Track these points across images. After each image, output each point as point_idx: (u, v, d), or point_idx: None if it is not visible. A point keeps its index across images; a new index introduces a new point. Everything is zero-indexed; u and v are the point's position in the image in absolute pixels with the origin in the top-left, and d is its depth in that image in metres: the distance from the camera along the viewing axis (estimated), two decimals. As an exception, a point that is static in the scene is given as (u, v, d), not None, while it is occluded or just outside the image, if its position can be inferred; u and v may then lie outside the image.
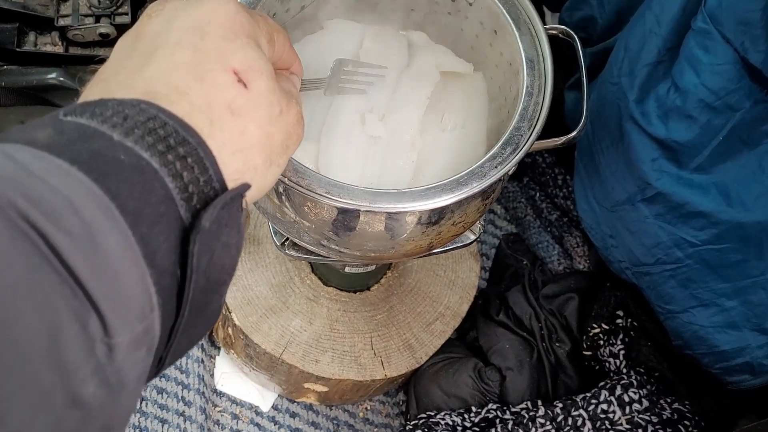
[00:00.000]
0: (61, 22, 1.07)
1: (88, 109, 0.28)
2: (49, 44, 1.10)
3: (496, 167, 0.51)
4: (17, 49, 1.07)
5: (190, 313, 0.28)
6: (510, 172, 0.52)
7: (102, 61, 1.11)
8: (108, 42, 1.10)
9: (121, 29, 1.08)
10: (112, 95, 0.30)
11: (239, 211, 0.31)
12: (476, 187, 0.50)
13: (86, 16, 1.08)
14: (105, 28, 1.07)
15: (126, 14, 1.08)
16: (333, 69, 0.57)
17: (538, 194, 1.13)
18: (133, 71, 0.32)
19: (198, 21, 0.33)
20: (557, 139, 0.56)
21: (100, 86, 0.32)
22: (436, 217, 0.53)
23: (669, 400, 0.81)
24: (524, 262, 1.09)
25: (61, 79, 1.10)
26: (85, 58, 1.11)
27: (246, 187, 0.31)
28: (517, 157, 0.51)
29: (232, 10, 0.34)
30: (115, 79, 0.32)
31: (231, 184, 0.31)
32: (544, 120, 0.53)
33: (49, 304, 0.22)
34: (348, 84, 0.58)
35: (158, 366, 0.29)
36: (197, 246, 0.27)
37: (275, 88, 0.35)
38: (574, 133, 0.56)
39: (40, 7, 1.09)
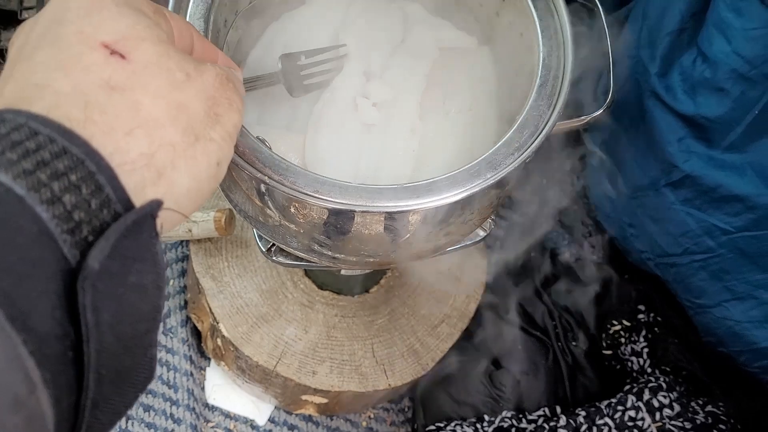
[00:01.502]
0: (26, 15, 1.01)
1: None
2: (13, 39, 1.03)
3: (512, 154, 0.43)
4: (-24, 45, 1.00)
5: (100, 382, 0.22)
6: (528, 160, 0.45)
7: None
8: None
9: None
10: None
11: (152, 236, 0.24)
12: (491, 178, 0.42)
13: (51, 6, 1.00)
14: (71, 18, 1.00)
15: (94, 3, 1.01)
16: (283, 68, 0.50)
17: (545, 180, 1.07)
18: (2, 80, 0.28)
19: (55, 13, 0.29)
20: (581, 118, 0.49)
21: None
22: (444, 215, 0.46)
23: (701, 403, 0.74)
24: (533, 254, 1.03)
25: (28, 76, 1.04)
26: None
27: (157, 203, 0.25)
28: (537, 141, 0.44)
29: (124, 12, 0.30)
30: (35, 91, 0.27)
31: (139, 195, 0.25)
32: (565, 96, 0.46)
33: None
34: (312, 79, 0.51)
35: None
36: (89, 295, 0.21)
37: (169, 52, 0.30)
38: (600, 111, 0.49)
39: (2, 1, 1.02)
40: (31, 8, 1.01)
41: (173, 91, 0.28)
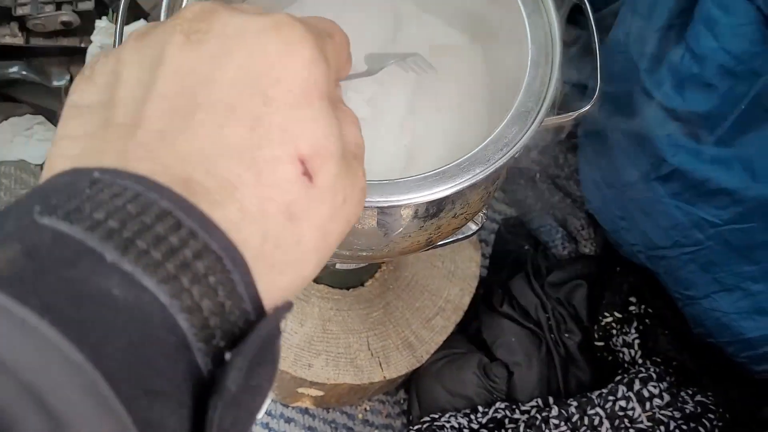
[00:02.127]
0: (20, 11, 1.00)
1: (73, 204, 0.19)
2: (9, 36, 1.03)
3: (501, 149, 0.44)
4: (-29, 42, 1.00)
5: None
6: (517, 155, 0.46)
7: (64, 51, 1.04)
8: (71, 31, 1.03)
9: (85, 17, 1.01)
10: (123, 165, 0.21)
11: (276, 339, 0.22)
12: (480, 173, 0.43)
13: (46, 3, 1.00)
14: (67, 15, 1.00)
15: (89, 0, 1.01)
16: (369, 69, 0.49)
17: (538, 175, 1.08)
18: (160, 135, 0.22)
19: (259, 75, 0.24)
20: (569, 114, 0.50)
21: (106, 139, 0.22)
22: (435, 209, 0.47)
23: (691, 392, 0.75)
24: (526, 247, 1.04)
25: (24, 72, 1.04)
26: (48, 49, 1.04)
27: (288, 307, 0.22)
28: (525, 137, 0.44)
29: (306, 59, 0.24)
30: (131, 139, 0.22)
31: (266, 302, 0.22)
32: (553, 94, 0.47)
33: None
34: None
35: None
36: (219, 411, 0.19)
37: (342, 170, 0.25)
38: (588, 106, 0.50)
39: (-6, -4, 1.02)
40: (25, 4, 1.01)
41: (329, 222, 0.25)
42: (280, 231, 0.23)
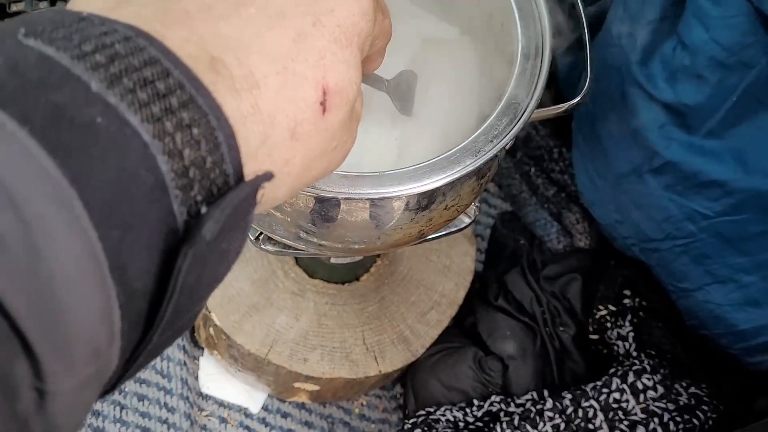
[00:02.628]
0: (14, 8, 1.00)
1: (62, 32, 0.19)
2: (3, 33, 1.03)
3: (491, 141, 0.45)
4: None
5: (161, 335, 0.21)
6: (507, 146, 0.46)
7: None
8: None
9: (79, 13, 1.01)
10: (158, 26, 0.21)
11: (251, 208, 0.23)
12: (470, 165, 0.44)
13: (41, 0, 1.00)
14: (61, 12, 1.00)
15: (83, -4, 1.01)
16: (402, 75, 0.49)
17: (533, 169, 1.08)
18: (207, 9, 0.23)
19: (318, 0, 0.26)
20: (559, 106, 0.50)
21: (137, 7, 0.22)
22: (426, 201, 0.47)
23: (684, 385, 0.76)
24: (521, 242, 1.04)
25: (18, 69, 1.04)
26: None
27: (268, 176, 0.23)
28: (515, 129, 0.45)
29: (362, 8, 0.27)
30: (177, 3, 0.23)
31: (249, 163, 0.23)
32: (543, 86, 0.47)
33: None
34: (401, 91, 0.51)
35: (107, 390, 0.22)
36: (188, 262, 0.20)
37: (346, 120, 0.27)
38: (578, 99, 0.50)
39: (-12, -7, 1.02)
40: (20, 1, 1.01)
41: (316, 158, 0.27)
42: (278, 142, 0.24)
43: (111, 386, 0.22)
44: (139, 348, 0.21)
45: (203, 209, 0.21)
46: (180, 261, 0.20)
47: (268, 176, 0.23)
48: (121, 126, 0.19)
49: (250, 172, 0.23)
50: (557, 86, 0.88)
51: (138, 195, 0.19)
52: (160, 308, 0.20)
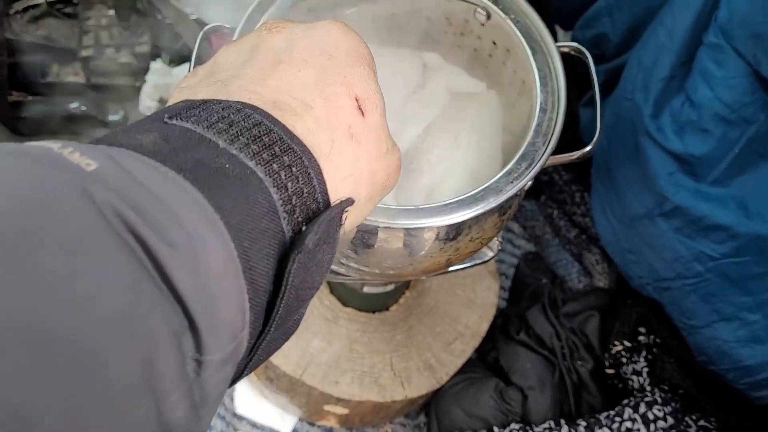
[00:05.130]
0: (84, 53, 1.10)
1: (193, 112, 0.27)
2: (72, 74, 1.13)
3: (512, 182, 0.51)
4: (41, 80, 1.10)
5: (276, 329, 0.27)
6: (526, 188, 0.53)
7: (120, 89, 1.13)
8: (129, 71, 1.13)
9: (141, 58, 1.11)
10: (227, 96, 0.29)
11: (338, 226, 0.29)
12: (493, 201, 0.50)
13: (107, 46, 1.10)
14: (125, 57, 1.10)
15: (146, 44, 1.11)
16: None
17: (555, 212, 1.13)
18: (254, 80, 0.31)
19: (325, 44, 0.33)
20: (571, 154, 0.56)
21: (209, 89, 0.31)
22: (454, 232, 0.53)
23: (694, 418, 0.80)
24: (543, 281, 1.09)
25: (84, 108, 1.13)
26: (106, 88, 1.14)
27: (350, 201, 0.30)
28: (532, 172, 0.51)
29: (357, 39, 0.34)
30: (232, 84, 0.31)
31: (333, 199, 0.30)
32: (558, 135, 0.53)
33: (149, 325, 0.21)
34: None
35: (234, 380, 0.28)
36: (295, 265, 0.26)
37: (385, 125, 0.34)
38: (588, 148, 0.56)
39: (63, 40, 1.12)
40: (89, 47, 1.11)
41: (375, 160, 0.33)
42: (343, 142, 0.31)
43: (239, 373, 0.28)
44: (259, 340, 0.27)
45: (304, 227, 0.28)
46: (290, 265, 0.26)
47: (349, 201, 0.30)
48: (243, 169, 0.26)
49: (331, 182, 0.30)
50: (579, 136, 0.94)
51: (259, 216, 0.26)
52: (275, 305, 0.27)
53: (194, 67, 0.35)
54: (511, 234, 1.19)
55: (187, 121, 0.27)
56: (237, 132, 0.27)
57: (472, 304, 0.97)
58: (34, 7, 1.12)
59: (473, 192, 0.51)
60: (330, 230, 0.28)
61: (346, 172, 0.31)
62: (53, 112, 1.12)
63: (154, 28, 1.11)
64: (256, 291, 0.25)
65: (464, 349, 0.94)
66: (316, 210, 0.29)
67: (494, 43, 0.63)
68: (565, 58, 0.58)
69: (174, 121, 0.27)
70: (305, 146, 0.29)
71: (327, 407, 0.93)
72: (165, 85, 1.09)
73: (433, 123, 0.62)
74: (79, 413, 0.19)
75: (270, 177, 0.27)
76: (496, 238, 0.64)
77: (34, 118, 1.11)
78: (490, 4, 0.60)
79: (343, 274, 0.61)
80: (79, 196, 0.20)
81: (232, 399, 1.02)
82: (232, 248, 0.24)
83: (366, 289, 0.85)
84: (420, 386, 0.91)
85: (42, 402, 0.18)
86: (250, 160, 0.26)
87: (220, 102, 0.28)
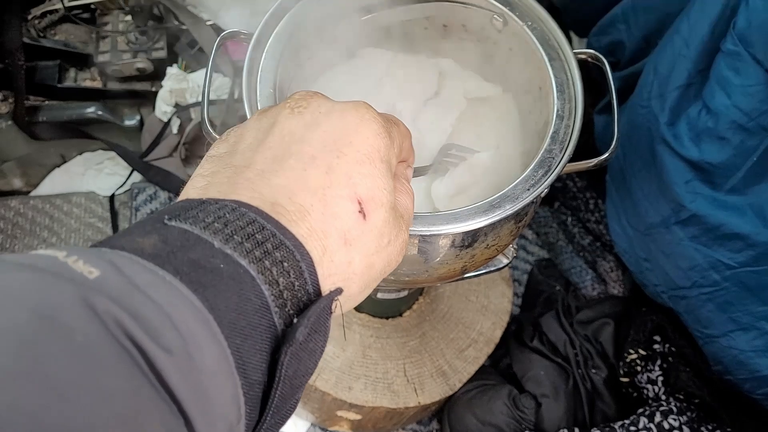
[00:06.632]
0: (100, 59, 1.11)
1: (191, 213, 0.29)
2: (89, 79, 1.14)
3: (528, 189, 0.51)
4: (58, 85, 1.11)
5: (272, 417, 0.29)
6: (542, 195, 0.53)
7: (136, 94, 1.14)
8: (145, 76, 1.14)
9: (158, 64, 1.12)
10: (233, 192, 0.31)
11: (328, 316, 0.30)
12: (509, 209, 0.50)
13: (124, 52, 1.11)
14: (142, 63, 1.11)
15: (162, 49, 1.11)
16: (439, 152, 0.58)
17: (569, 219, 1.13)
18: (261, 173, 0.32)
19: (338, 137, 0.33)
20: (588, 161, 0.56)
21: (225, 173, 0.32)
22: (470, 239, 0.53)
23: (710, 428, 0.79)
24: (557, 288, 1.08)
25: (100, 113, 1.14)
26: (122, 92, 1.15)
27: (339, 291, 0.31)
28: (549, 180, 0.51)
29: (374, 131, 0.34)
30: (241, 175, 0.32)
31: (324, 289, 0.31)
32: (575, 143, 0.53)
33: (147, 426, 0.22)
34: (444, 165, 0.59)
35: None
36: (288, 357, 0.27)
37: (389, 219, 0.34)
38: (605, 155, 0.56)
39: (80, 45, 1.13)
40: (105, 52, 1.12)
41: (374, 255, 0.34)
42: (336, 249, 0.32)
43: None
44: (256, 429, 0.28)
45: (295, 320, 0.29)
46: (282, 357, 0.28)
47: (338, 291, 0.31)
48: (236, 268, 0.27)
49: (322, 277, 0.31)
50: (594, 142, 0.94)
51: (251, 313, 0.27)
52: (270, 395, 0.28)
53: (230, 131, 0.36)
54: (525, 240, 1.19)
55: (185, 222, 0.28)
56: (232, 231, 0.28)
57: (486, 310, 0.97)
58: (51, 12, 1.13)
59: (489, 199, 0.51)
60: (320, 320, 0.29)
61: (337, 277, 0.32)
62: (70, 117, 1.13)
63: (171, 34, 1.12)
64: (251, 384, 0.27)
65: (477, 355, 0.94)
66: (308, 301, 0.30)
67: (511, 50, 0.63)
68: (581, 64, 0.58)
69: (173, 222, 0.28)
70: (298, 240, 0.30)
71: (340, 413, 0.93)
72: (181, 90, 1.10)
73: (453, 129, 0.62)
74: None
75: (262, 274, 0.28)
76: (511, 245, 0.64)
77: (51, 122, 1.12)
78: (506, 10, 0.60)
79: (357, 280, 0.61)
80: (83, 307, 0.22)
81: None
82: (225, 346, 0.25)
83: (380, 295, 0.85)
84: (433, 393, 0.91)
85: None
86: (243, 259, 0.28)
87: (217, 202, 0.29)
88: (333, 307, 0.31)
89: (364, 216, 0.33)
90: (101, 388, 0.21)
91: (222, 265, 0.27)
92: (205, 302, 0.25)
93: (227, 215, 0.29)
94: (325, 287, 0.31)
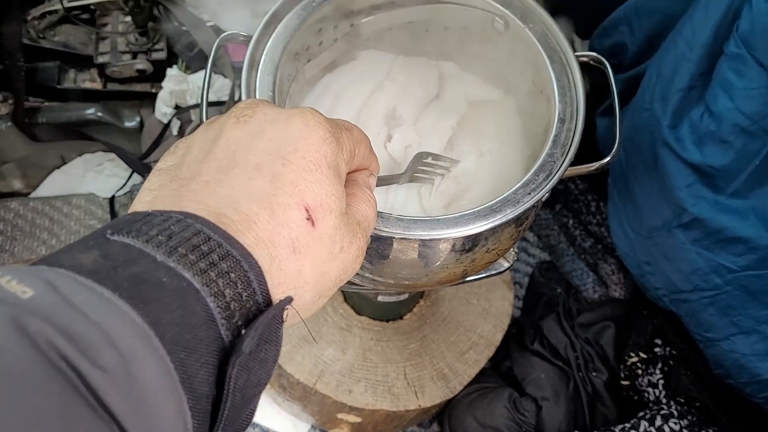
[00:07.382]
0: (100, 60, 1.11)
1: (135, 226, 0.28)
2: (88, 81, 1.14)
3: (529, 194, 0.50)
4: (58, 86, 1.11)
5: (224, 430, 0.28)
6: (543, 199, 0.52)
7: (136, 95, 1.14)
8: (145, 77, 1.13)
9: (158, 65, 1.11)
10: (178, 204, 0.30)
11: (279, 325, 0.30)
12: (510, 213, 0.49)
13: (124, 53, 1.11)
14: (142, 64, 1.10)
15: (162, 50, 1.11)
16: (413, 160, 0.57)
17: (571, 221, 1.13)
18: (206, 184, 0.32)
19: (283, 145, 0.33)
20: (590, 165, 0.56)
21: (172, 185, 0.32)
22: (470, 244, 0.53)
23: (711, 431, 0.79)
24: (558, 291, 1.08)
25: (100, 114, 1.14)
26: (122, 94, 1.14)
27: (289, 300, 0.31)
28: (550, 184, 0.50)
29: (320, 137, 0.34)
30: (186, 187, 0.32)
31: (275, 298, 0.31)
32: (576, 146, 0.52)
33: None
34: (421, 174, 0.58)
35: None
36: (236, 369, 0.27)
37: (341, 225, 0.34)
38: (607, 159, 0.55)
39: (80, 46, 1.13)
40: (105, 53, 1.11)
41: (326, 262, 0.33)
42: (284, 258, 0.31)
43: None
44: None
45: (243, 330, 0.28)
46: (230, 369, 0.27)
47: (288, 300, 0.31)
48: (180, 281, 0.27)
49: (272, 287, 0.30)
50: (596, 144, 0.93)
51: (196, 326, 0.26)
52: (220, 407, 0.28)
53: (178, 143, 0.36)
54: (526, 243, 1.19)
55: (128, 236, 0.28)
56: (176, 243, 0.28)
57: (487, 313, 0.96)
58: (51, 13, 1.13)
59: (490, 203, 0.50)
60: (271, 330, 0.29)
61: (287, 286, 0.31)
62: (69, 118, 1.13)
63: (171, 35, 1.12)
64: (197, 398, 0.26)
65: (478, 358, 0.94)
66: (257, 312, 0.29)
67: (512, 53, 0.62)
68: (583, 67, 0.57)
69: (115, 237, 0.28)
70: (245, 249, 0.29)
71: (340, 416, 0.93)
72: (181, 91, 1.10)
73: (454, 133, 0.62)
74: None
75: (207, 286, 0.27)
76: (512, 249, 0.63)
77: (51, 123, 1.12)
78: (508, 13, 0.60)
79: (357, 284, 0.61)
80: (13, 329, 0.22)
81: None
82: (167, 361, 0.25)
83: (380, 298, 0.85)
84: (433, 396, 0.91)
85: None
86: (187, 271, 0.27)
87: (162, 213, 0.29)
88: (284, 316, 0.30)
89: (313, 223, 0.32)
90: (31, 410, 0.21)
91: (165, 279, 0.26)
92: (145, 318, 0.25)
93: (172, 227, 0.28)
94: (276, 297, 0.30)
